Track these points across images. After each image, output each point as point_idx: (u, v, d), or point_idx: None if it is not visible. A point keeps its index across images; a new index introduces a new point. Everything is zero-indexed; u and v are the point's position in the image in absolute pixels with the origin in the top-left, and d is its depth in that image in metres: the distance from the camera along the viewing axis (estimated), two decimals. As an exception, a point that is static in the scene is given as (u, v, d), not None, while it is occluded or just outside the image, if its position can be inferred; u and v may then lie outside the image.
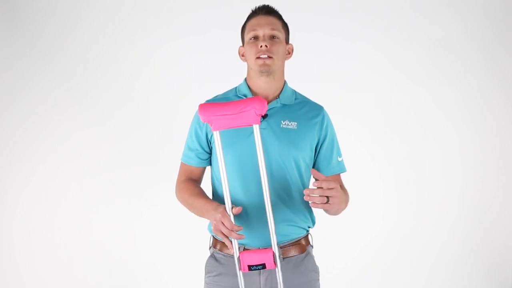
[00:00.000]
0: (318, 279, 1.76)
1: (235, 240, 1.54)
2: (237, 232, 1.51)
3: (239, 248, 1.57)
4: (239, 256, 1.54)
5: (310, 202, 1.50)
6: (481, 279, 3.30)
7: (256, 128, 1.52)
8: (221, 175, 1.55)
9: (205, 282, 1.76)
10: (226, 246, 1.66)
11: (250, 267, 1.52)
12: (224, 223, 1.51)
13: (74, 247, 3.22)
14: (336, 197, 1.49)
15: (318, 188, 1.48)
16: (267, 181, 1.53)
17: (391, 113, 3.27)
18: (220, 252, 1.72)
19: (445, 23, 3.24)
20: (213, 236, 1.77)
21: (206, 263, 1.77)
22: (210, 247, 1.79)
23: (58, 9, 3.19)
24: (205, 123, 1.64)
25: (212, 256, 1.76)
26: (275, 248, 1.54)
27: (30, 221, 3.22)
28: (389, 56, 3.24)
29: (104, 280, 3.21)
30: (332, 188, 1.48)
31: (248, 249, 1.64)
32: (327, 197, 1.49)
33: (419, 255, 3.29)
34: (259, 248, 1.62)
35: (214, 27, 3.16)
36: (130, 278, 3.22)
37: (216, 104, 1.54)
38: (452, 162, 3.30)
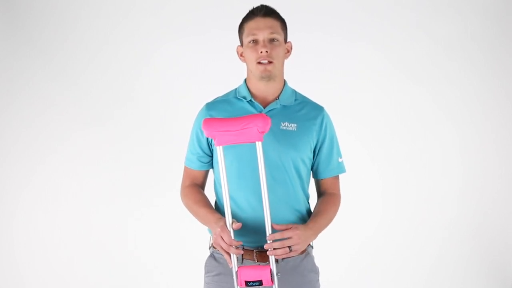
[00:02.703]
0: (318, 280, 1.76)
1: (234, 255, 1.56)
2: (236, 247, 1.54)
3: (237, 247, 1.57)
4: (237, 271, 1.55)
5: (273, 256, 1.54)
6: (481, 277, 3.30)
7: (258, 145, 1.53)
8: (223, 189, 1.57)
9: (205, 282, 1.77)
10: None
11: (247, 283, 1.54)
12: (224, 238, 1.54)
13: (74, 247, 3.22)
14: (297, 244, 1.54)
15: (274, 241, 1.52)
16: (268, 199, 1.54)
17: (391, 113, 3.27)
18: (219, 252, 1.72)
19: (445, 23, 3.24)
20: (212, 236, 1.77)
21: (206, 262, 1.78)
22: (210, 247, 1.79)
23: (58, 9, 3.19)
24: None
25: (212, 255, 1.76)
26: (273, 266, 1.55)
27: (30, 221, 3.22)
28: (389, 56, 3.23)
29: (104, 280, 3.21)
30: (289, 237, 1.52)
31: (246, 249, 1.65)
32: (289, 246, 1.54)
33: (420, 254, 3.29)
34: (258, 264, 1.63)
35: (214, 27, 3.16)
36: (130, 278, 3.22)
37: (219, 119, 1.56)
38: (452, 162, 3.30)
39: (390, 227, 3.27)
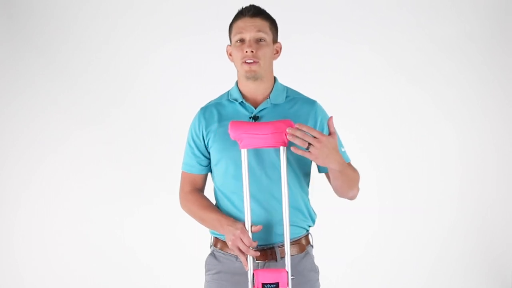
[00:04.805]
0: (318, 279, 1.76)
1: (250, 257, 1.56)
2: (252, 249, 1.55)
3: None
4: (253, 273, 1.56)
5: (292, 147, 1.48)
6: (481, 278, 3.30)
7: (283, 150, 1.54)
8: (244, 191, 1.56)
9: (205, 280, 1.77)
10: (227, 246, 1.66)
11: (264, 285, 1.54)
12: (243, 240, 1.54)
13: (74, 247, 3.22)
14: (318, 148, 1.45)
15: (300, 130, 1.46)
16: (288, 204, 1.55)
17: (390, 114, 3.27)
18: (220, 250, 1.72)
19: (444, 24, 3.24)
20: (214, 236, 1.77)
21: (206, 261, 1.78)
22: (211, 246, 1.79)
23: (58, 9, 3.19)
24: (214, 132, 1.68)
25: (212, 254, 1.76)
26: (288, 268, 1.56)
27: (30, 221, 3.22)
28: (388, 56, 3.24)
29: (103, 280, 3.21)
30: (315, 138, 1.45)
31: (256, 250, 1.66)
32: (309, 144, 1.46)
33: (420, 254, 3.29)
34: (273, 268, 1.64)
35: (214, 27, 3.15)
36: (130, 278, 3.22)
37: (247, 123, 1.57)
38: (451, 162, 3.30)
39: (389, 227, 3.28)
